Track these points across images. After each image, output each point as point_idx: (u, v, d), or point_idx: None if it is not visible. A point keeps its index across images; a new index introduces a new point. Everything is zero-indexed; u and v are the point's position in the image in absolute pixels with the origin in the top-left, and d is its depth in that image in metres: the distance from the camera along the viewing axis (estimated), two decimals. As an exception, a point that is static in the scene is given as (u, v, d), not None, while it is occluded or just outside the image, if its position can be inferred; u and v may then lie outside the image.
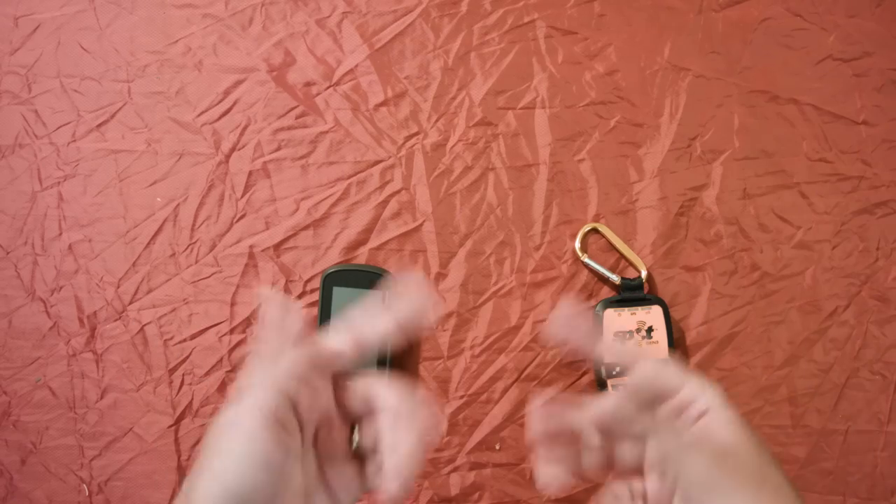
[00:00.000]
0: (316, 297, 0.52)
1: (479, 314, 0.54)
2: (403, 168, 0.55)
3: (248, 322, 0.53)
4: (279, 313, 0.29)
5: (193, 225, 0.54)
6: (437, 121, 0.56)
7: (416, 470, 0.29)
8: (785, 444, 0.53)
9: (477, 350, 0.54)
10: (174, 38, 0.56)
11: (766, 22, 0.58)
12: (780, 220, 0.56)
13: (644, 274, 0.54)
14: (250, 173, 0.55)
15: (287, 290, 0.54)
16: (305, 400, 0.29)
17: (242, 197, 0.54)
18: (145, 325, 0.53)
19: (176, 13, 0.56)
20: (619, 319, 0.53)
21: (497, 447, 0.54)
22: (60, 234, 0.54)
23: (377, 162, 0.55)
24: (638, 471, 0.33)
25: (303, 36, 0.56)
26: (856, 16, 0.58)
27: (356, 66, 0.56)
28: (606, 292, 0.55)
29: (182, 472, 0.52)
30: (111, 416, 0.52)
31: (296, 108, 0.55)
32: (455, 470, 0.53)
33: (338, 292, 0.51)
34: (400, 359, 0.35)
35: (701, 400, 0.31)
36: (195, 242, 0.54)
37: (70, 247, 0.54)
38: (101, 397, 0.53)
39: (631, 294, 0.53)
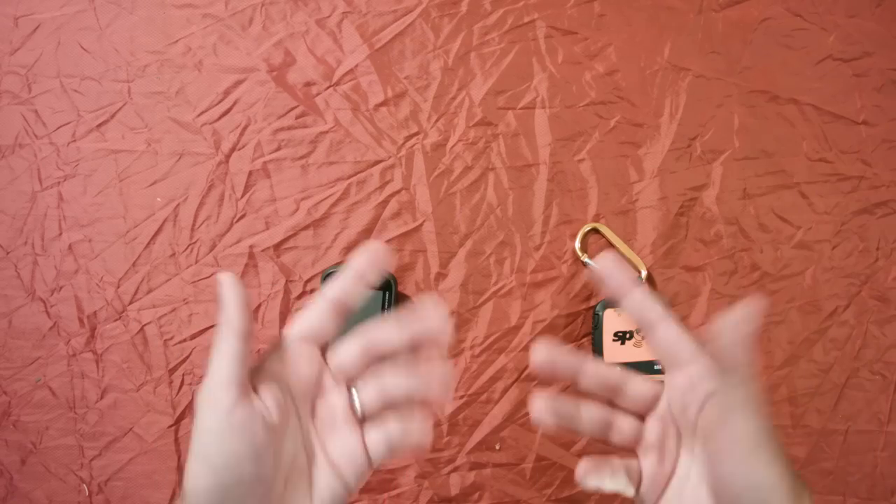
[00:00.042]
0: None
1: (479, 314, 0.54)
2: (403, 168, 0.55)
3: (248, 322, 0.53)
4: (239, 292, 0.29)
5: (193, 225, 0.54)
6: (437, 121, 0.56)
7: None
8: (785, 444, 0.53)
9: (477, 350, 0.54)
10: (174, 38, 0.56)
11: (766, 22, 0.58)
12: (780, 220, 0.56)
13: (644, 274, 0.54)
14: (250, 173, 0.55)
15: (287, 290, 0.54)
16: (286, 369, 0.29)
17: (242, 197, 0.54)
18: (145, 325, 0.53)
19: (176, 13, 0.56)
20: (619, 319, 0.53)
21: (497, 447, 0.54)
22: (60, 234, 0.54)
23: (377, 162, 0.55)
24: (631, 448, 0.32)
25: (303, 36, 0.56)
26: (856, 16, 0.58)
27: (356, 66, 0.56)
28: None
29: (182, 472, 0.52)
30: (111, 416, 0.52)
31: (296, 108, 0.55)
32: (455, 470, 0.53)
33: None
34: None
35: (708, 382, 0.30)
36: (195, 242, 0.54)
37: (70, 247, 0.54)
38: (101, 397, 0.53)
39: (631, 294, 0.53)
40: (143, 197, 0.54)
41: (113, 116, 0.55)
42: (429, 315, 0.31)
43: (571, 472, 0.54)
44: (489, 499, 0.53)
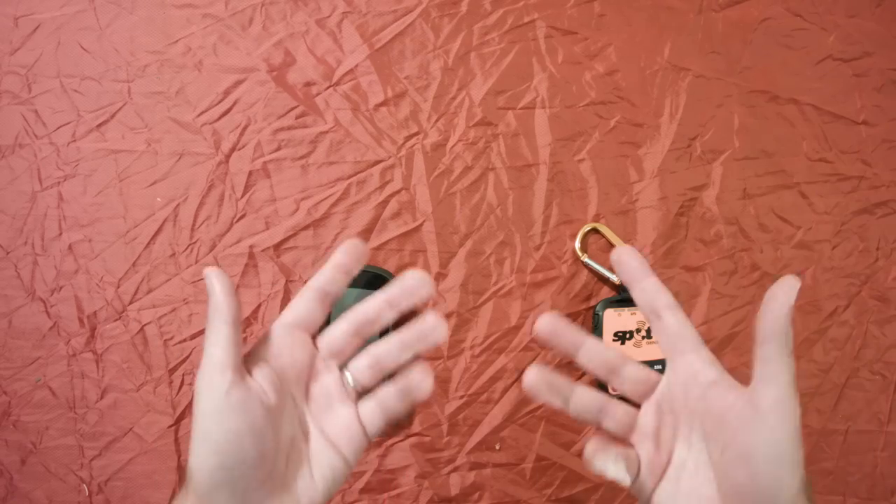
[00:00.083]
0: (316, 297, 0.52)
1: (479, 314, 0.54)
2: (403, 168, 0.55)
3: (248, 322, 0.53)
4: (226, 282, 0.31)
5: (193, 225, 0.54)
6: (437, 121, 0.56)
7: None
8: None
9: (477, 350, 0.54)
10: (174, 38, 0.56)
11: (766, 22, 0.58)
12: (780, 220, 0.56)
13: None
14: (250, 173, 0.55)
15: (287, 290, 0.54)
16: (278, 355, 0.31)
17: (242, 197, 0.54)
18: (145, 325, 0.53)
19: (176, 13, 0.56)
20: (619, 319, 0.53)
21: (497, 447, 0.54)
22: (60, 234, 0.54)
23: (377, 162, 0.55)
24: (624, 436, 0.33)
25: (303, 36, 0.56)
26: (856, 16, 0.58)
27: (356, 66, 0.56)
28: (606, 292, 0.55)
29: (182, 472, 0.52)
30: (111, 416, 0.52)
31: (296, 108, 0.55)
32: (455, 470, 0.53)
33: (338, 292, 0.51)
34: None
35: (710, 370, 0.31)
36: (195, 242, 0.54)
37: (70, 247, 0.54)
38: (101, 397, 0.53)
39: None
40: (143, 197, 0.54)
41: (113, 116, 0.55)
42: (410, 283, 0.33)
43: (571, 472, 0.54)
44: (489, 499, 0.53)
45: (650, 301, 0.32)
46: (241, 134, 0.55)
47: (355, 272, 0.34)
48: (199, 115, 0.55)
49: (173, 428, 0.52)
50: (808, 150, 0.57)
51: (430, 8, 0.56)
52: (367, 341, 0.35)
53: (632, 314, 0.53)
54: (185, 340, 0.53)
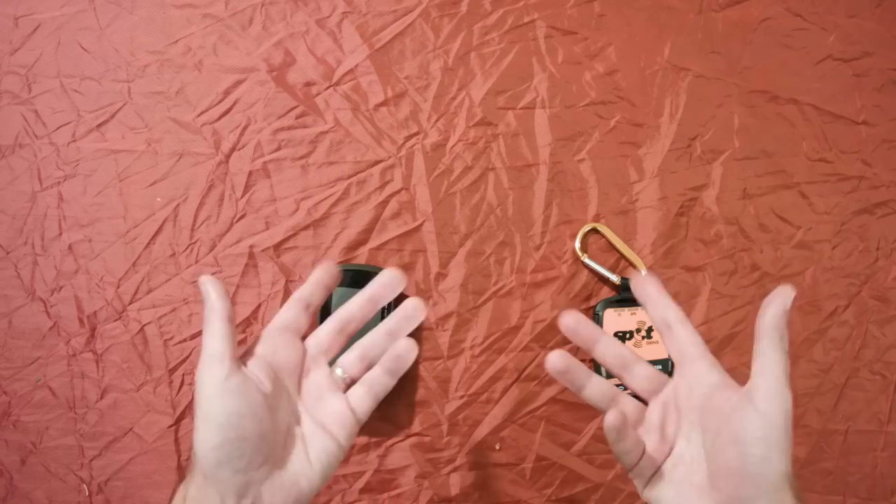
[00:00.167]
0: (316, 297, 0.52)
1: (479, 314, 0.54)
2: (403, 168, 0.55)
3: (248, 322, 0.53)
4: (219, 285, 0.35)
5: (193, 225, 0.54)
6: (437, 121, 0.56)
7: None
8: (785, 444, 0.53)
9: (477, 350, 0.54)
10: (174, 38, 0.56)
11: (766, 22, 0.58)
12: (780, 220, 0.56)
13: (644, 274, 0.54)
14: (250, 173, 0.55)
15: (287, 290, 0.54)
16: (271, 353, 0.35)
17: (242, 197, 0.54)
18: (145, 325, 0.53)
19: (176, 13, 0.56)
20: (619, 319, 0.53)
21: (497, 447, 0.54)
22: (60, 234, 0.54)
23: (377, 162, 0.55)
24: (632, 426, 0.35)
25: (303, 36, 0.56)
26: (856, 16, 0.58)
27: (356, 66, 0.56)
28: (606, 292, 0.55)
29: (182, 472, 0.52)
30: (111, 416, 0.52)
31: (296, 108, 0.55)
32: (455, 470, 0.53)
33: (338, 292, 0.51)
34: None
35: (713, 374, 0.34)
36: (195, 242, 0.54)
37: (70, 247, 0.54)
38: (101, 397, 0.53)
39: (631, 294, 0.53)
40: (143, 197, 0.54)
41: (113, 116, 0.55)
42: (385, 279, 0.38)
43: (571, 472, 0.54)
44: (489, 499, 0.53)
45: (663, 316, 0.35)
46: (241, 134, 0.55)
47: (332, 288, 0.38)
48: (199, 115, 0.55)
49: (173, 428, 0.52)
50: (808, 150, 0.57)
51: (430, 8, 0.56)
52: (355, 336, 0.38)
53: (632, 314, 0.53)
54: (184, 340, 0.53)
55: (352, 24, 0.56)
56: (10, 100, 0.55)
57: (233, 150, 0.55)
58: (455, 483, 0.53)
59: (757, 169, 0.56)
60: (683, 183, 0.56)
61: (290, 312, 0.36)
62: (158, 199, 0.54)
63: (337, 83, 0.56)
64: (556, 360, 0.36)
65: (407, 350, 0.37)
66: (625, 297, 0.53)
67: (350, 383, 0.37)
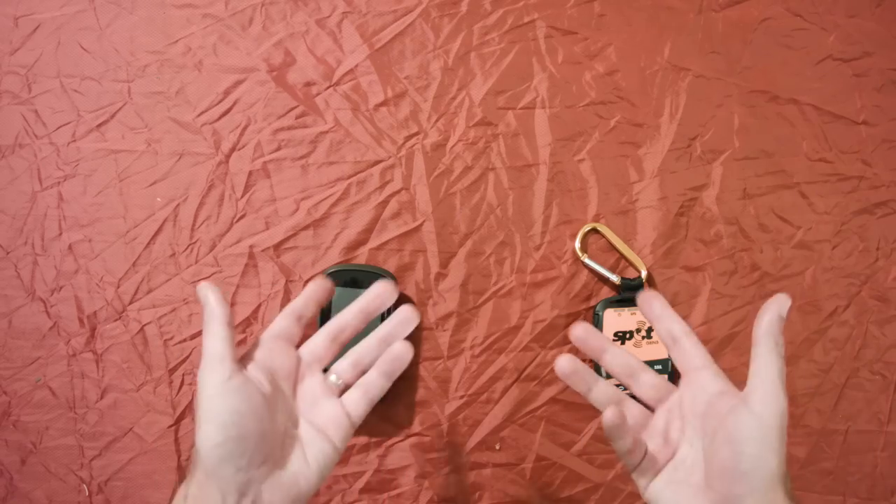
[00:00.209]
0: (316, 297, 0.52)
1: (479, 314, 0.54)
2: (403, 168, 0.55)
3: (248, 322, 0.53)
4: (216, 291, 0.36)
5: (193, 225, 0.54)
6: (437, 121, 0.56)
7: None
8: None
9: (477, 350, 0.54)
10: (174, 38, 0.56)
11: (766, 22, 0.58)
12: (780, 220, 0.56)
13: (644, 274, 0.54)
14: (250, 173, 0.55)
15: (287, 291, 0.54)
16: (268, 359, 0.36)
17: (242, 197, 0.54)
18: (145, 325, 0.53)
19: (176, 13, 0.56)
20: (619, 319, 0.53)
21: (497, 447, 0.54)
22: (60, 234, 0.54)
23: (377, 162, 0.55)
24: (636, 430, 0.37)
25: (303, 36, 0.56)
26: (856, 16, 0.58)
27: (356, 66, 0.56)
28: (606, 292, 0.55)
29: (182, 472, 0.52)
30: (111, 416, 0.52)
31: (296, 108, 0.55)
32: (455, 470, 0.53)
33: (338, 292, 0.51)
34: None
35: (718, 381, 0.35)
36: (195, 242, 0.54)
37: (70, 247, 0.54)
38: (101, 397, 0.53)
39: (631, 294, 0.53)
40: (143, 197, 0.54)
41: (113, 116, 0.55)
42: (377, 291, 0.39)
43: (571, 472, 0.54)
44: (489, 499, 0.53)
45: (669, 329, 0.37)
46: (241, 134, 0.55)
47: (324, 303, 0.40)
48: (199, 115, 0.55)
49: (173, 428, 0.52)
50: (808, 150, 0.57)
51: (430, 8, 0.56)
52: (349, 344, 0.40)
53: (632, 314, 0.53)
54: (184, 340, 0.53)
55: (352, 24, 0.56)
56: (10, 100, 0.55)
57: (233, 150, 0.55)
58: (455, 483, 0.53)
59: (757, 169, 0.56)
60: (683, 183, 0.56)
61: (283, 322, 0.38)
62: (158, 199, 0.54)
63: (337, 83, 0.56)
64: (564, 363, 0.37)
65: (403, 352, 0.38)
66: (625, 297, 0.53)
67: (344, 389, 0.38)
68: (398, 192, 0.55)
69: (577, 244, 0.54)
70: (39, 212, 0.54)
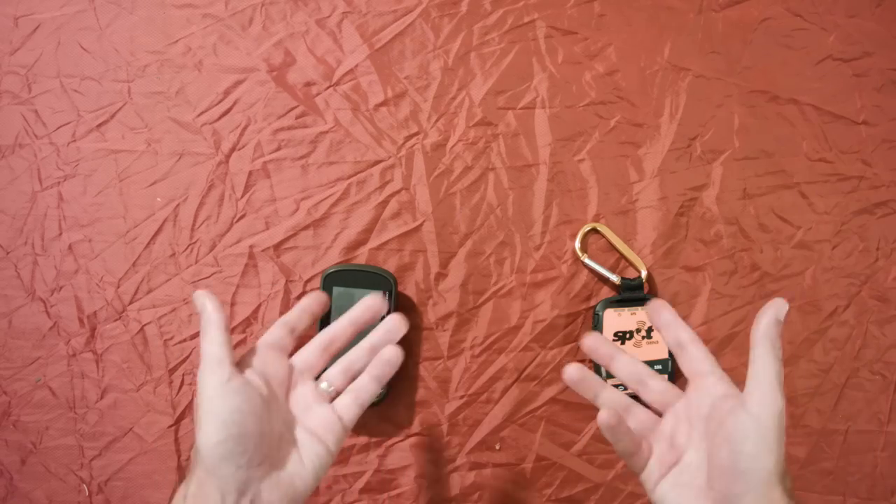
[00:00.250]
0: (316, 297, 0.52)
1: (479, 314, 0.54)
2: (403, 168, 0.55)
3: (248, 322, 0.53)
4: (212, 297, 0.37)
5: (193, 225, 0.54)
6: (437, 121, 0.56)
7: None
8: (785, 443, 0.53)
9: (477, 350, 0.54)
10: (174, 38, 0.56)
11: (766, 22, 0.58)
12: (780, 220, 0.56)
13: (644, 274, 0.54)
14: (250, 173, 0.55)
15: (287, 290, 0.54)
16: (262, 365, 0.37)
17: (242, 197, 0.54)
18: (145, 325, 0.53)
19: (176, 13, 0.56)
20: (619, 319, 0.53)
21: (497, 447, 0.54)
22: (60, 234, 0.54)
23: (377, 162, 0.55)
24: (643, 435, 0.38)
25: (303, 36, 0.56)
26: (856, 16, 0.58)
27: (356, 66, 0.56)
28: (606, 292, 0.55)
29: (182, 472, 0.52)
30: (111, 416, 0.52)
31: (296, 108, 0.55)
32: (455, 470, 0.53)
33: (338, 292, 0.51)
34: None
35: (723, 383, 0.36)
36: (195, 242, 0.54)
37: (70, 247, 0.54)
38: (101, 397, 0.53)
39: (631, 294, 0.53)
40: (143, 197, 0.54)
41: (113, 116, 0.55)
42: (368, 303, 0.41)
43: (571, 472, 0.54)
44: (489, 499, 0.53)
45: (676, 336, 0.38)
46: (241, 134, 0.55)
47: (319, 316, 0.41)
48: (199, 115, 0.55)
49: (173, 428, 0.52)
50: (808, 150, 0.57)
51: (430, 8, 0.56)
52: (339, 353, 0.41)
53: (632, 314, 0.53)
54: (185, 340, 0.53)
55: (352, 24, 0.56)
56: (10, 100, 0.55)
57: (233, 150, 0.55)
58: (455, 483, 0.53)
59: (757, 169, 0.56)
60: (683, 183, 0.56)
61: (277, 333, 0.39)
62: (158, 199, 0.54)
63: (337, 83, 0.56)
64: (572, 371, 0.39)
65: (393, 356, 0.40)
66: (625, 297, 0.53)
67: (335, 395, 0.39)
68: (398, 192, 0.55)
69: (577, 244, 0.54)
70: (39, 212, 0.54)
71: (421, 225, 0.55)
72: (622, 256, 0.55)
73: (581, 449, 0.54)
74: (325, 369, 0.40)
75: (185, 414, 0.53)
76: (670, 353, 0.53)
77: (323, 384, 0.39)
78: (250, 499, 0.32)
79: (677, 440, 0.36)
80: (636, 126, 0.56)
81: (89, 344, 0.53)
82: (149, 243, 0.54)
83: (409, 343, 0.54)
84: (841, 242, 0.56)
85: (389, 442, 0.53)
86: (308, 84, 0.56)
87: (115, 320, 0.53)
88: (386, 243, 0.54)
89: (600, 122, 0.56)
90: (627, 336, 0.53)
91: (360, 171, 0.55)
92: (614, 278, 0.53)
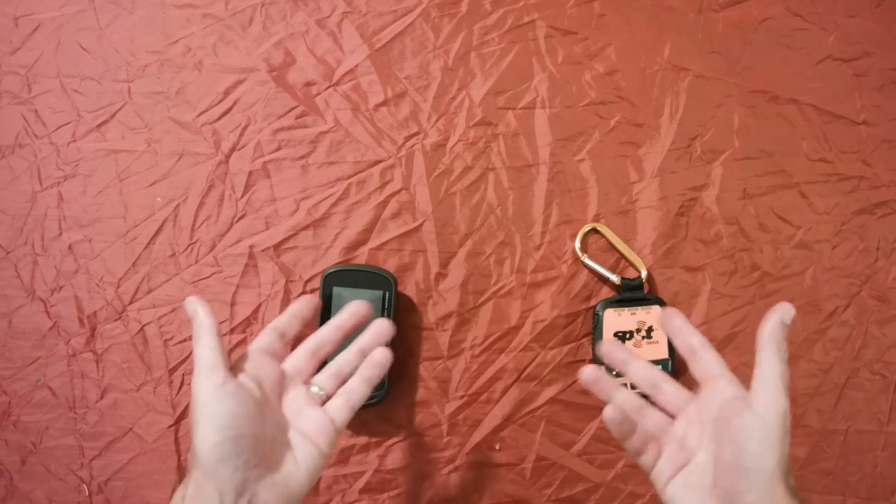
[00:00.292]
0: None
1: (479, 314, 0.54)
2: (403, 168, 0.55)
3: (248, 322, 0.53)
4: (203, 303, 0.38)
5: (193, 225, 0.54)
6: (437, 121, 0.56)
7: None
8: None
9: (477, 350, 0.54)
10: (174, 38, 0.56)
11: (766, 22, 0.58)
12: (780, 220, 0.56)
13: (644, 274, 0.54)
14: (250, 173, 0.55)
15: (287, 290, 0.54)
16: (254, 369, 0.37)
17: (242, 197, 0.54)
18: (145, 325, 0.53)
19: (176, 13, 0.56)
20: (619, 319, 0.53)
21: (497, 447, 0.54)
22: (60, 234, 0.54)
23: (377, 162, 0.55)
24: (656, 436, 0.39)
25: (303, 36, 0.56)
26: (856, 16, 0.58)
27: (356, 66, 0.56)
28: (606, 292, 0.55)
29: (182, 472, 0.52)
30: (111, 416, 0.52)
31: (296, 108, 0.55)
32: (455, 470, 0.53)
33: (338, 292, 0.51)
34: None
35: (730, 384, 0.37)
36: (195, 242, 0.54)
37: (70, 247, 0.54)
38: (101, 397, 0.53)
39: (631, 294, 0.53)
40: (143, 197, 0.54)
41: (113, 116, 0.55)
42: (353, 309, 0.42)
43: (571, 472, 0.54)
44: (489, 499, 0.53)
45: (688, 342, 0.39)
46: (241, 134, 0.55)
47: (309, 320, 0.42)
48: (199, 115, 0.55)
49: (173, 428, 0.52)
50: (808, 150, 0.57)
51: (430, 8, 0.56)
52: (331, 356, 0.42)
53: (632, 314, 0.53)
54: (185, 340, 0.53)
55: (352, 24, 0.56)
56: (10, 100, 0.55)
57: (233, 150, 0.55)
58: (455, 483, 0.53)
59: (757, 169, 0.56)
60: (683, 183, 0.56)
61: (267, 338, 0.40)
62: (158, 199, 0.54)
63: (337, 83, 0.56)
64: (588, 372, 0.40)
65: (383, 359, 0.41)
66: (625, 297, 0.53)
67: (326, 398, 0.40)
68: (398, 192, 0.55)
69: (577, 244, 0.54)
70: (39, 212, 0.54)
71: (421, 225, 0.55)
72: (622, 256, 0.55)
73: (581, 449, 0.54)
74: (314, 373, 0.41)
75: (185, 414, 0.53)
76: (670, 353, 0.53)
77: (314, 388, 0.40)
78: (248, 499, 0.33)
79: (688, 442, 0.37)
80: (636, 126, 0.56)
81: (89, 344, 0.53)
82: (149, 243, 0.54)
83: (409, 343, 0.54)
84: (841, 242, 0.56)
85: (389, 442, 0.53)
86: (308, 84, 0.56)
87: (115, 320, 0.53)
88: (386, 243, 0.54)
89: (600, 122, 0.56)
90: (627, 336, 0.53)
91: (360, 171, 0.55)
92: (614, 278, 0.53)
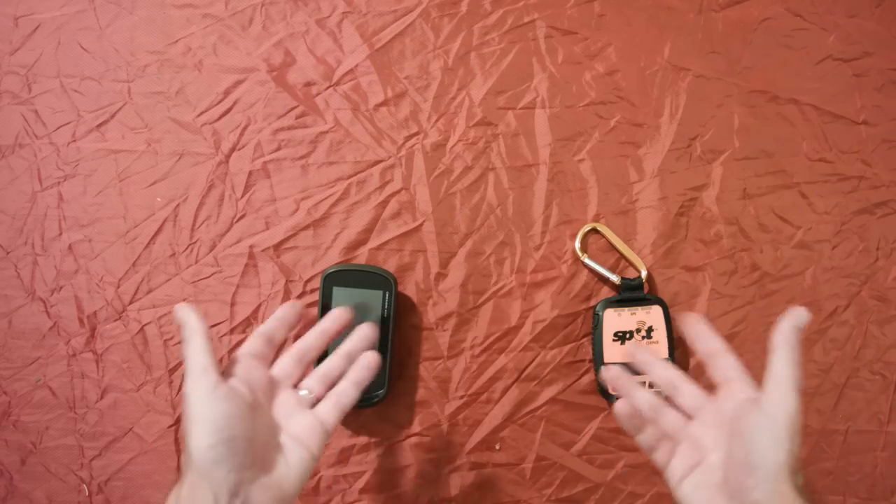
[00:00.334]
0: (316, 297, 0.52)
1: (479, 314, 0.54)
2: (403, 168, 0.55)
3: (248, 322, 0.53)
4: (193, 308, 0.38)
5: (193, 225, 0.54)
6: (437, 121, 0.56)
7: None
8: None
9: (477, 350, 0.54)
10: (174, 38, 0.56)
11: (766, 22, 0.58)
12: (780, 220, 0.56)
13: (644, 274, 0.54)
14: (250, 173, 0.55)
15: (287, 290, 0.54)
16: (244, 371, 0.38)
17: (242, 197, 0.54)
18: (145, 325, 0.53)
19: (176, 13, 0.56)
20: (620, 319, 0.53)
21: (497, 447, 0.54)
22: (60, 234, 0.54)
23: (377, 162, 0.55)
24: (672, 435, 0.39)
25: (303, 36, 0.56)
26: (856, 16, 0.58)
27: (356, 66, 0.56)
28: (606, 292, 0.55)
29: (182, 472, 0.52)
30: (111, 416, 0.52)
31: (296, 108, 0.55)
32: (455, 470, 0.53)
33: (338, 292, 0.51)
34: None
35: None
36: (195, 242, 0.54)
37: (70, 247, 0.54)
38: (101, 397, 0.53)
39: (631, 294, 0.53)
40: (143, 197, 0.54)
41: (113, 116, 0.55)
42: (335, 315, 0.43)
43: (571, 472, 0.54)
44: (489, 499, 0.53)
45: (707, 346, 0.41)
46: (241, 134, 0.55)
47: (295, 326, 0.43)
48: (199, 115, 0.55)
49: (173, 428, 0.52)
50: (808, 150, 0.57)
51: (430, 8, 0.56)
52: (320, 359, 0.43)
53: (632, 314, 0.53)
54: (185, 340, 0.53)
55: (352, 24, 0.56)
56: (10, 100, 0.55)
57: (233, 150, 0.55)
58: (455, 483, 0.53)
59: (757, 169, 0.56)
60: (683, 183, 0.56)
61: (254, 343, 0.40)
62: (158, 199, 0.54)
63: (337, 83, 0.56)
64: (611, 371, 0.42)
65: (371, 362, 0.42)
66: (625, 297, 0.53)
67: (315, 402, 0.41)
68: (398, 192, 0.55)
69: (577, 244, 0.54)
70: (39, 212, 0.54)
71: (421, 225, 0.55)
72: (622, 256, 0.55)
73: (581, 449, 0.54)
74: (302, 378, 0.42)
75: (185, 414, 0.53)
76: (670, 354, 0.53)
77: (303, 391, 0.41)
78: (241, 501, 0.33)
79: (704, 442, 0.38)
80: (636, 126, 0.56)
81: (89, 344, 0.53)
82: (149, 243, 0.54)
83: (409, 343, 0.54)
84: (841, 242, 0.56)
85: (389, 442, 0.53)
86: (308, 84, 0.56)
87: (115, 320, 0.53)
88: (386, 243, 0.54)
89: (600, 122, 0.56)
90: (627, 336, 0.53)
91: (360, 171, 0.55)
92: (614, 278, 0.53)
